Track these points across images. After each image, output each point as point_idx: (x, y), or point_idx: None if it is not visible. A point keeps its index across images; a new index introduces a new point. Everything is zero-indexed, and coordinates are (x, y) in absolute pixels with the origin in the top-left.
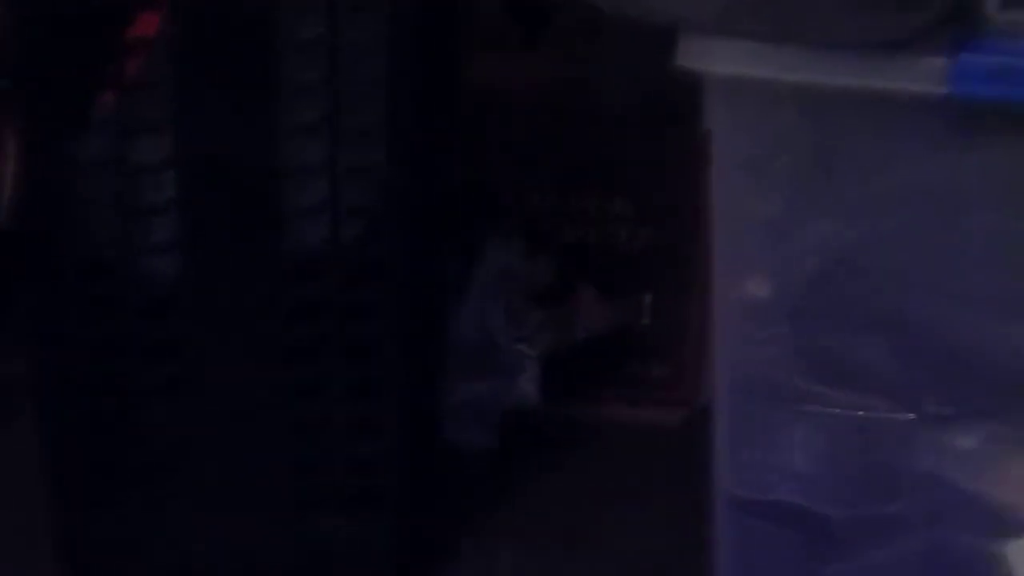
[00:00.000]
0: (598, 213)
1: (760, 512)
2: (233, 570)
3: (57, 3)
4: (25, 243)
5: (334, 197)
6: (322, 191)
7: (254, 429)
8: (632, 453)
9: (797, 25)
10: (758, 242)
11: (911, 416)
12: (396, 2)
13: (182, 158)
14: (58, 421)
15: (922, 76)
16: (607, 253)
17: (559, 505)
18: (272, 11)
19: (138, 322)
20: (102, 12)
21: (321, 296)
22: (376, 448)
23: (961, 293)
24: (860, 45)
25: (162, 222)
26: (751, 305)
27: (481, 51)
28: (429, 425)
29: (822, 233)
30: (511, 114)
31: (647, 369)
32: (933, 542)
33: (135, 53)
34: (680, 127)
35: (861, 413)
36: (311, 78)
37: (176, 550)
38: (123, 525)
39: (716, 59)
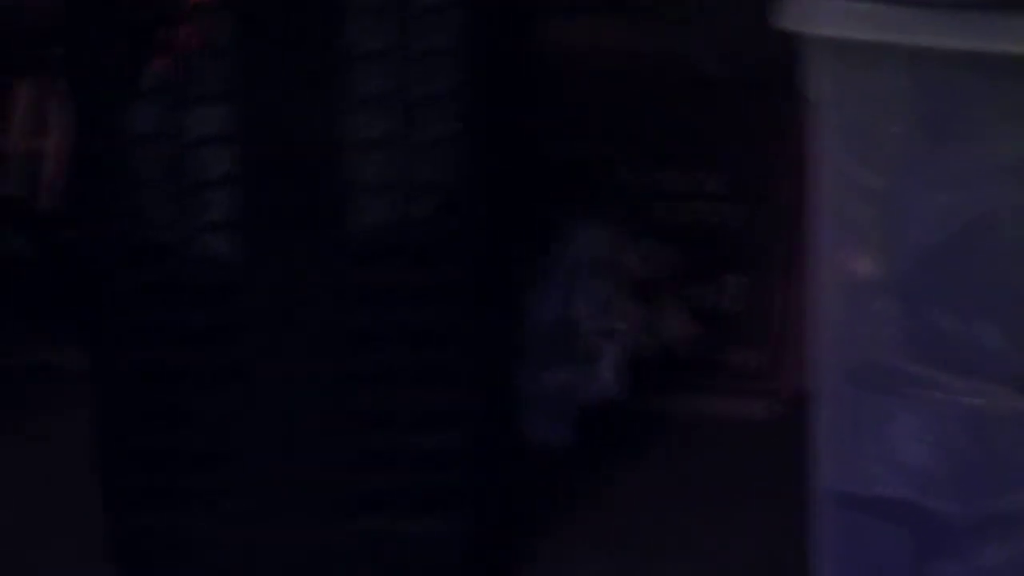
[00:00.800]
0: (690, 190)
1: (866, 508)
2: (290, 572)
3: None
4: (75, 224)
5: (403, 173)
6: (390, 166)
7: (316, 421)
8: (721, 448)
9: None
10: (866, 217)
11: None
12: None
13: (241, 130)
14: (112, 412)
15: None
16: (699, 232)
17: (643, 505)
18: None
19: (195, 307)
20: None
21: (389, 279)
22: (448, 443)
23: None
24: (975, 5)
25: (219, 199)
26: (858, 285)
27: (564, 14)
28: (505, 418)
29: (936, 207)
30: (596, 82)
31: (738, 357)
32: None
33: (193, 18)
34: (779, 96)
35: (977, 401)
36: (379, 46)
37: (232, 548)
38: (177, 521)
39: (820, 20)
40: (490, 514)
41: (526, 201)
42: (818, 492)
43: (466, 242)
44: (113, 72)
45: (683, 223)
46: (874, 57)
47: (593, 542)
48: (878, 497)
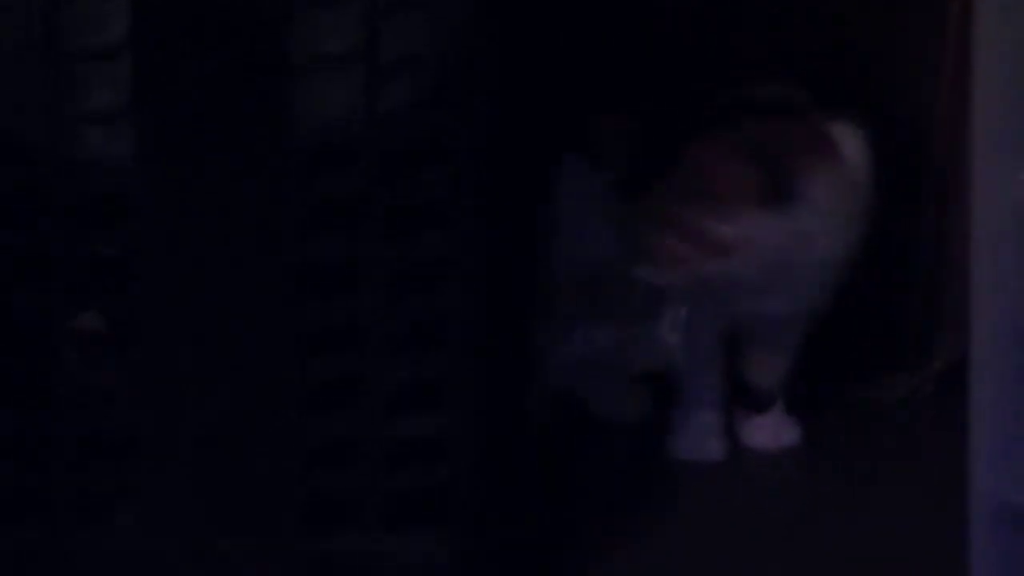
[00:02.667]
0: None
1: None
2: None
3: None
4: None
5: (371, 39)
6: (352, 29)
7: (248, 399)
8: (845, 430)
9: None
10: None
11: None
12: None
13: None
14: None
15: None
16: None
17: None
18: None
19: (73, 233)
20: None
21: (350, 194)
22: (428, 427)
23: None
24: None
25: (108, 75)
26: None
27: None
28: (511, 393)
29: None
30: None
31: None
32: None
33: None
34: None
35: None
36: None
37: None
38: (61, 532)
39: None
40: (488, 528)
41: (547, 109)
42: (977, 504)
43: (463, 143)
44: None
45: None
46: None
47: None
48: None
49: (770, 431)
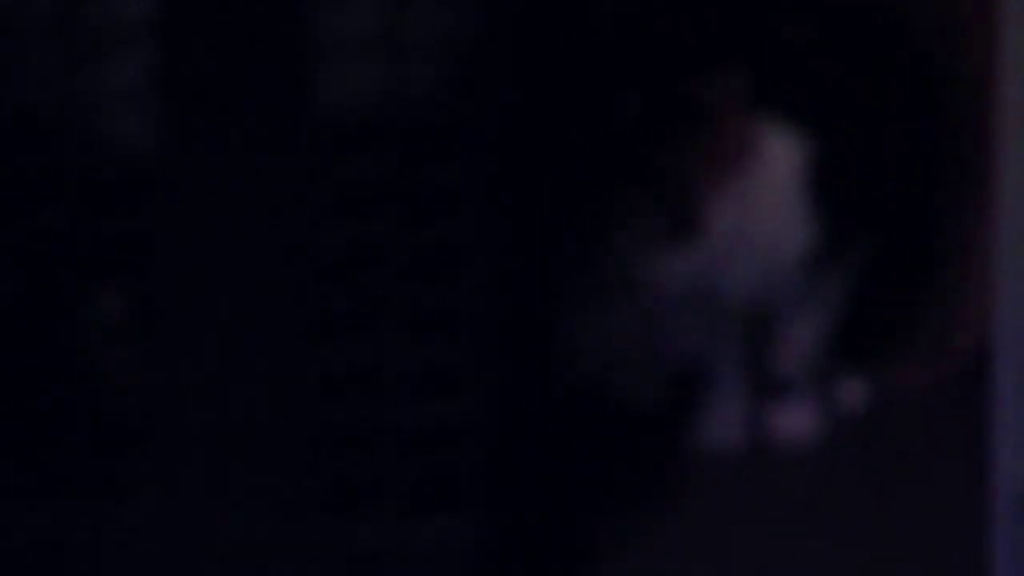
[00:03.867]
0: None
1: None
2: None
3: None
4: None
5: (394, 23)
6: (374, 11)
7: (269, 385)
8: (856, 426)
9: None
10: None
11: None
12: None
13: None
14: None
15: None
16: None
17: (750, 501)
18: None
19: (94, 215)
20: None
21: (372, 178)
22: (452, 414)
23: None
24: None
25: (128, 56)
26: None
27: None
28: (532, 378)
29: None
30: None
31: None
32: None
33: None
34: None
35: None
36: None
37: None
38: (64, 515)
39: None
40: (509, 513)
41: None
42: (997, 494)
43: (485, 127)
44: None
45: None
46: None
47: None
48: None
49: (791, 420)
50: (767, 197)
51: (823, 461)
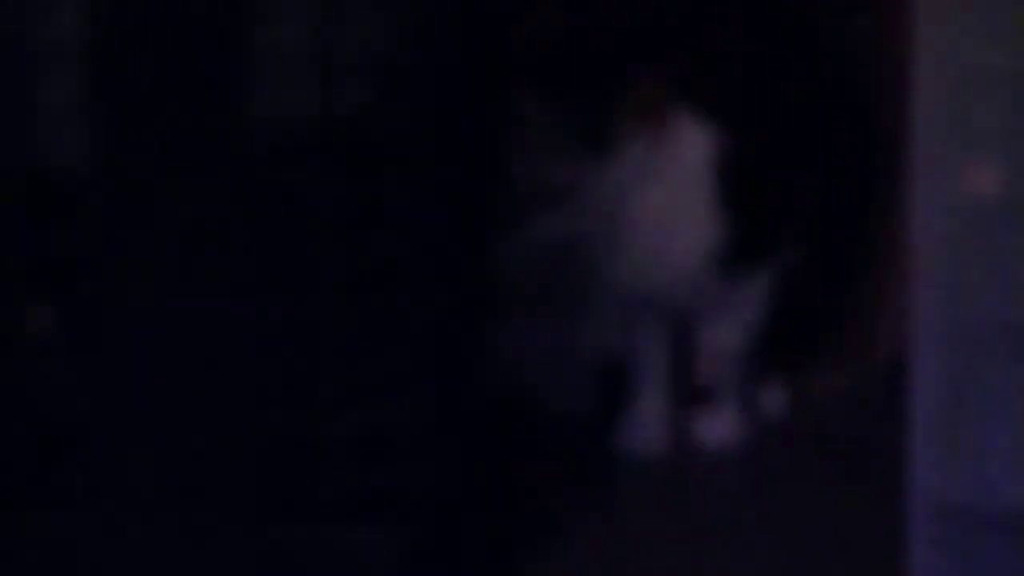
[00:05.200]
0: None
1: (978, 522)
2: None
3: None
4: None
5: (326, 40)
6: (307, 28)
7: (202, 394)
8: (776, 431)
9: None
10: (982, 113)
11: None
12: None
13: None
14: None
15: None
16: None
17: (671, 505)
18: None
19: (25, 233)
20: None
21: (306, 192)
22: (382, 419)
23: None
24: None
25: (60, 75)
26: (973, 207)
27: None
28: (466, 387)
29: None
30: None
31: (803, 312)
32: None
33: None
34: None
35: None
36: None
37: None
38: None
39: None
40: (443, 521)
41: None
42: (914, 502)
43: (417, 141)
44: None
45: None
46: None
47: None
48: (999, 510)
49: (714, 425)
50: (677, 175)
51: (744, 466)
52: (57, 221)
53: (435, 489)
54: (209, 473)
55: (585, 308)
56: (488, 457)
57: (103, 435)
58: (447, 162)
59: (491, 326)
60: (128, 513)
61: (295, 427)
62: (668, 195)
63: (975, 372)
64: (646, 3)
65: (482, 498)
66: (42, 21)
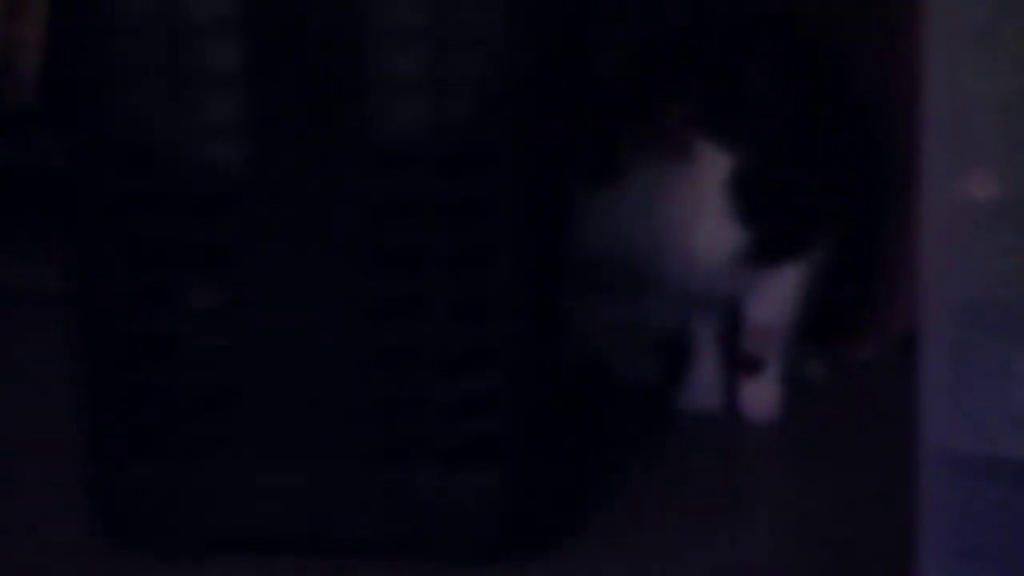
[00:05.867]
0: None
1: (980, 471)
2: (299, 534)
3: None
4: (56, 125)
5: (436, 69)
6: (421, 61)
7: (334, 360)
8: (813, 395)
9: None
10: (983, 128)
11: None
12: None
13: (251, 17)
14: (93, 343)
15: None
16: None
17: (723, 459)
18: None
19: (194, 224)
20: None
21: (418, 191)
22: (487, 384)
23: None
24: None
25: (222, 97)
26: (974, 210)
27: None
28: (555, 355)
29: None
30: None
31: (834, 294)
32: None
33: None
34: None
35: None
36: None
37: (231, 505)
38: (166, 471)
39: None
40: (535, 466)
41: (579, 118)
42: (924, 452)
43: (508, 151)
44: None
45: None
46: None
47: (659, 503)
48: (996, 459)
49: (756, 400)
50: (700, 189)
51: (786, 423)
52: (217, 212)
53: (523, 440)
54: (334, 424)
55: (647, 292)
56: (568, 415)
57: (252, 390)
58: (536, 167)
59: (572, 305)
60: (273, 460)
61: (407, 386)
62: (704, 202)
63: (973, 344)
64: (676, 47)
65: (561, 449)
66: (207, 50)
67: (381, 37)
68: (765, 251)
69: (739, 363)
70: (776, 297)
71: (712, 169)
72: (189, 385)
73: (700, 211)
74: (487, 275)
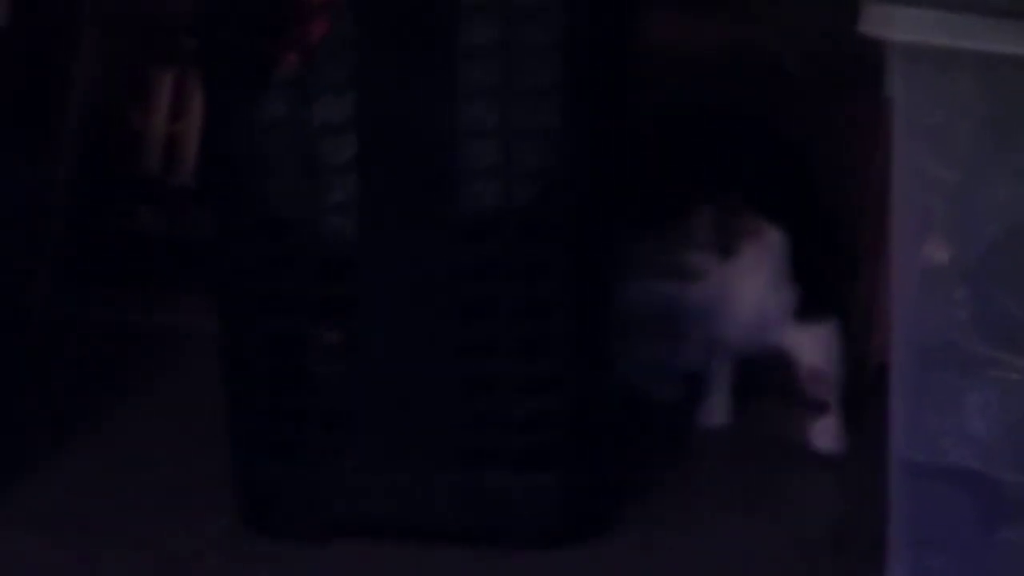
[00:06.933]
0: None
1: (934, 476)
2: (401, 522)
3: None
4: (206, 201)
5: (508, 159)
6: (497, 153)
7: (426, 385)
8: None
9: None
10: (938, 207)
11: None
12: None
13: (362, 119)
14: (240, 373)
15: None
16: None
17: (735, 464)
18: None
19: (316, 279)
20: None
21: (495, 255)
22: (548, 405)
23: None
24: None
25: (341, 182)
26: (930, 270)
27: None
28: (602, 383)
29: (1001, 198)
30: (687, 75)
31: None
32: None
33: (318, 17)
34: (858, 93)
35: None
36: (487, 40)
37: (349, 500)
38: (299, 474)
39: (898, 26)
40: (586, 473)
41: (625, 189)
42: (893, 460)
43: (565, 223)
44: (244, 65)
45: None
46: (946, 61)
47: (681, 504)
48: (946, 467)
49: (825, 435)
50: (765, 262)
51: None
52: (335, 272)
53: (574, 451)
54: (430, 436)
55: (682, 339)
56: (610, 431)
57: (366, 411)
58: (585, 239)
59: (616, 347)
60: (381, 464)
61: (486, 408)
62: (766, 271)
63: (931, 378)
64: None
65: (604, 457)
66: (327, 145)
67: (463, 134)
68: (815, 306)
69: (808, 406)
70: (827, 347)
71: (775, 244)
72: (317, 407)
73: (761, 280)
74: (549, 323)
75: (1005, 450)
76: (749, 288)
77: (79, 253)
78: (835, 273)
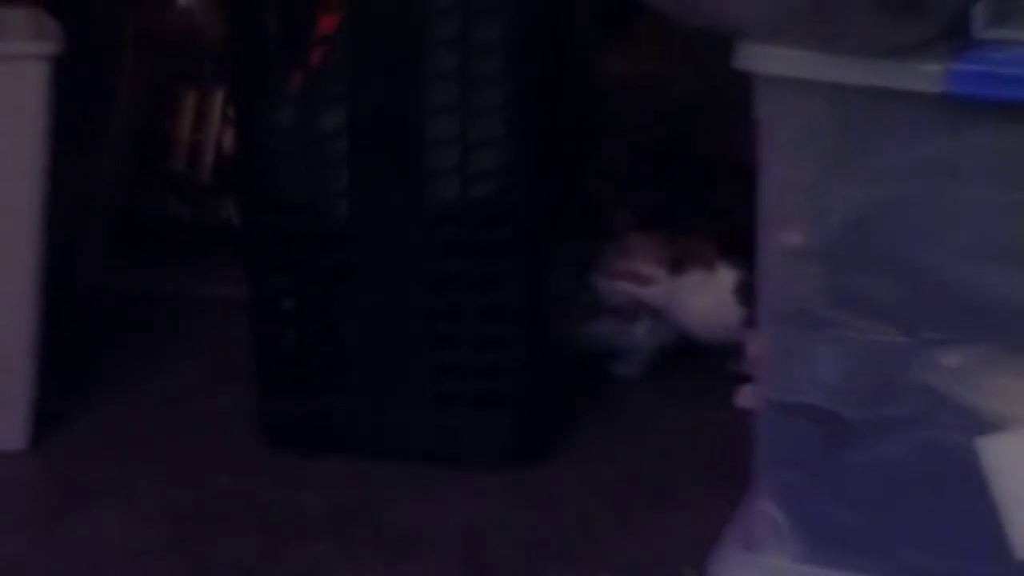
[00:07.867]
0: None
1: (792, 412)
2: (386, 448)
3: (264, 8)
4: (233, 191)
5: (467, 160)
6: (458, 155)
7: (403, 339)
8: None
9: (829, 36)
10: (796, 203)
11: (911, 340)
12: (518, 9)
13: (353, 126)
14: (262, 325)
15: (924, 78)
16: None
17: (649, 408)
18: (419, 19)
19: (318, 250)
20: (296, 14)
21: (458, 237)
22: (501, 358)
23: (953, 244)
24: (877, 53)
25: (337, 175)
26: (790, 252)
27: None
28: (546, 341)
29: (846, 196)
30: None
31: None
32: (926, 438)
33: (319, 45)
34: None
35: (874, 337)
36: (448, 68)
37: (347, 428)
38: (305, 405)
39: (764, 62)
40: (532, 414)
41: (575, 187)
42: (761, 401)
43: (515, 213)
44: (262, 83)
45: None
46: (803, 90)
47: (613, 440)
48: (801, 404)
49: (746, 395)
50: (719, 286)
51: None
52: (332, 243)
53: (524, 393)
54: (405, 380)
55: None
56: (552, 379)
57: (357, 358)
58: (538, 221)
59: (583, 322)
60: (368, 399)
61: (452, 358)
62: (722, 292)
63: (792, 336)
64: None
65: (544, 399)
66: (326, 144)
67: (431, 140)
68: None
69: (743, 378)
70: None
71: (727, 278)
72: (318, 352)
73: (721, 299)
74: (502, 293)
75: (845, 391)
76: (695, 304)
77: (122, 233)
78: None
